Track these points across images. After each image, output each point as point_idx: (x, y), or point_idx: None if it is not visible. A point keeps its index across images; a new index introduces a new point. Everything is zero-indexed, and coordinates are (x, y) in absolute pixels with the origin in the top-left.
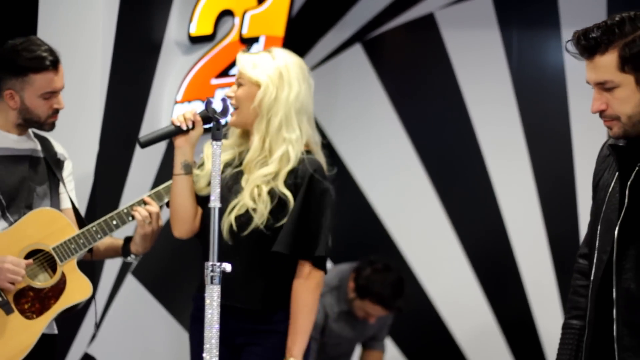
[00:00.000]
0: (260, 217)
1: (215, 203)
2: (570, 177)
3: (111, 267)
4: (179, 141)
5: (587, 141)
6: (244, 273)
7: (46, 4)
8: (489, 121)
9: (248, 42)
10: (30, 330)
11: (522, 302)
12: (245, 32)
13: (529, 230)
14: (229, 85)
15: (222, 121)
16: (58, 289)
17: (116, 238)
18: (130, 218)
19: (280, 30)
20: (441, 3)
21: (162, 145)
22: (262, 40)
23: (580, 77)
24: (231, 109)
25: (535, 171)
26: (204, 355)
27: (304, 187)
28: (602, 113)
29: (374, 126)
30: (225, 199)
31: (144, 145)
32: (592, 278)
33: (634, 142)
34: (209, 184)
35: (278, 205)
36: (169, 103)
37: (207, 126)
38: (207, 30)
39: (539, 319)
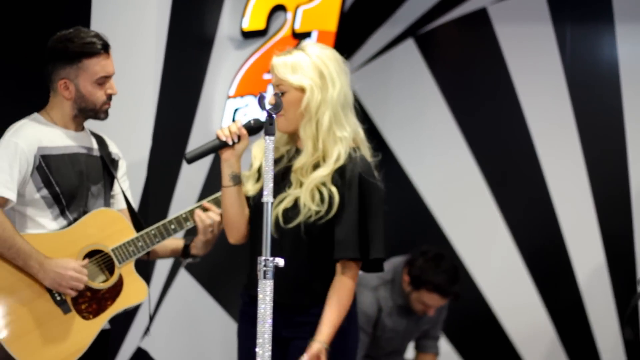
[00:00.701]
0: (308, 212)
1: (268, 198)
2: (624, 172)
3: (164, 262)
4: (226, 154)
5: None
6: (287, 266)
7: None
8: (542, 116)
9: (300, 37)
10: (87, 330)
11: (575, 298)
12: (298, 27)
13: (582, 225)
14: None
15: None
16: (115, 290)
17: (177, 239)
18: (188, 223)
19: (332, 25)
20: None
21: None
22: (314, 35)
23: (633, 72)
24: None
25: (588, 166)
26: (257, 350)
27: (355, 189)
28: None
29: (426, 120)
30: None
31: (190, 160)
32: None
33: None
34: (256, 182)
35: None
36: (222, 98)
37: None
38: (260, 25)
39: (591, 315)
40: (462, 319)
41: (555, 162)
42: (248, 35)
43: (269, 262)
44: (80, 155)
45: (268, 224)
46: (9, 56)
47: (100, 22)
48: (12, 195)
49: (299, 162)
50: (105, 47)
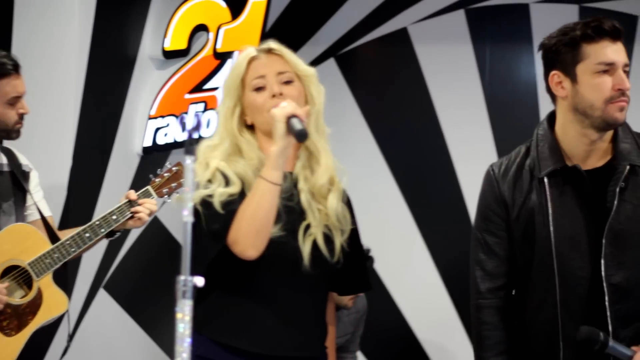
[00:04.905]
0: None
1: (188, 218)
2: None
3: (83, 281)
4: (289, 142)
5: None
6: (305, 315)
7: (21, 18)
8: (461, 135)
9: (222, 57)
10: (10, 347)
11: None
12: (220, 47)
13: None
14: (202, 100)
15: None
16: (35, 304)
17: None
18: (102, 230)
19: (254, 44)
20: (414, 18)
21: (135, 159)
22: (236, 55)
23: None
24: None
25: None
26: None
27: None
28: (624, 92)
29: (347, 140)
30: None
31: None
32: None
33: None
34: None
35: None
36: (143, 118)
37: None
38: (182, 45)
39: None
40: (379, 335)
41: (473, 181)
42: (170, 55)
43: (189, 281)
44: None
45: (188, 243)
46: None
47: (22, 39)
48: None
49: (317, 181)
50: (16, 67)
